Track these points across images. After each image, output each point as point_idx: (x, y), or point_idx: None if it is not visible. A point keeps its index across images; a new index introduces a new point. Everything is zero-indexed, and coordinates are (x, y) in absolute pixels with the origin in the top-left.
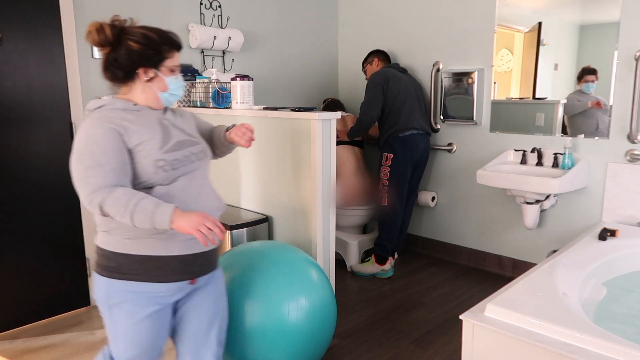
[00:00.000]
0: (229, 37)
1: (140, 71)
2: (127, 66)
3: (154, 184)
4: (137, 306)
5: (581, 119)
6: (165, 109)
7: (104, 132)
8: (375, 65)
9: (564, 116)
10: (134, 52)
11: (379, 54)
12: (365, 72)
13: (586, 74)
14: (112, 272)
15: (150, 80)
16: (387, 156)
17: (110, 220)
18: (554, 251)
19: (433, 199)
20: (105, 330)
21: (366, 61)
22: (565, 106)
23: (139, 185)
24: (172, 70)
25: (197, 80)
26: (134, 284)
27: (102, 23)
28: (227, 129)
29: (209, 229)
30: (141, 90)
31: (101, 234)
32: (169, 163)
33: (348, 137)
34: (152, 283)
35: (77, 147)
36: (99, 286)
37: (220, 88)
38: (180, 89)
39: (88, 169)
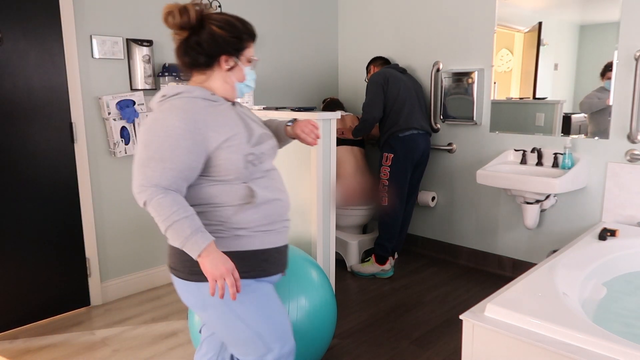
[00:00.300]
0: None
1: (222, 59)
2: (210, 52)
3: (243, 180)
4: (256, 292)
5: (602, 116)
6: (234, 101)
7: (183, 128)
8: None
9: (583, 115)
10: (218, 37)
11: (378, 60)
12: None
13: (609, 70)
14: (201, 274)
15: (230, 69)
16: (387, 156)
17: (208, 209)
18: (554, 251)
19: (433, 199)
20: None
21: (367, 71)
22: (583, 104)
23: (228, 182)
24: (249, 61)
25: None
26: (248, 281)
27: (185, 5)
28: (287, 124)
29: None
30: (221, 79)
31: None
32: (257, 157)
33: (353, 136)
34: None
35: (149, 130)
36: (193, 291)
37: None
38: (253, 81)
39: (150, 159)
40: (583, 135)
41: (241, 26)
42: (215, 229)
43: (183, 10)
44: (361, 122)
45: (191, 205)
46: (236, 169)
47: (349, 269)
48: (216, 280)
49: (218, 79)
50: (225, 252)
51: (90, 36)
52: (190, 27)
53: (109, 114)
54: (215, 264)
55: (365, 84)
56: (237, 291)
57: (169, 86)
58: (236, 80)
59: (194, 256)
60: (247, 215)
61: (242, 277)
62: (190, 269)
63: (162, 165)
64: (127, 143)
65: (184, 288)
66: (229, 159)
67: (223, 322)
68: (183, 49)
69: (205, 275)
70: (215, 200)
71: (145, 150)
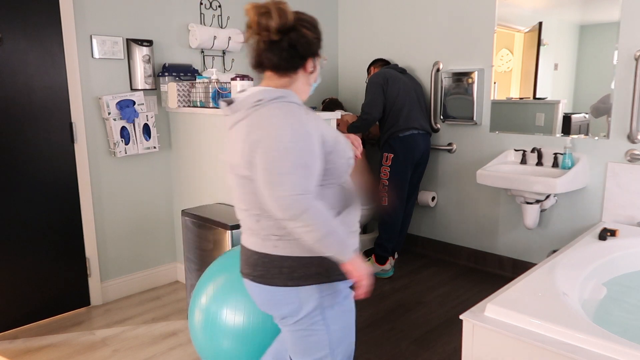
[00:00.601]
0: (229, 37)
1: (309, 61)
2: (303, 54)
3: (340, 184)
4: (346, 301)
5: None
6: None
7: (310, 133)
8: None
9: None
10: (310, 40)
11: (378, 62)
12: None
13: None
14: (311, 278)
15: (312, 71)
16: (387, 156)
17: (280, 226)
18: (554, 251)
19: (433, 199)
20: (299, 346)
21: (368, 73)
22: (596, 109)
23: (331, 186)
24: (320, 57)
25: (197, 80)
26: (339, 283)
27: (279, 5)
28: None
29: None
30: (304, 81)
31: (277, 242)
32: (351, 158)
33: (347, 132)
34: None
35: (283, 138)
36: (299, 296)
37: (220, 88)
38: (320, 78)
39: (300, 167)
40: (583, 135)
41: (319, 27)
42: None
43: (281, 11)
44: (359, 120)
45: None
46: (340, 172)
47: None
48: (359, 280)
49: (301, 82)
50: (311, 257)
51: (90, 36)
52: (285, 29)
53: (109, 114)
54: (361, 266)
55: (365, 83)
56: (367, 294)
57: (266, 89)
58: (313, 82)
59: (345, 259)
60: (350, 218)
61: (338, 279)
62: (288, 275)
63: (309, 171)
64: (127, 143)
65: (277, 295)
66: (336, 163)
67: (310, 328)
68: (273, 52)
69: (352, 276)
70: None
71: (287, 158)
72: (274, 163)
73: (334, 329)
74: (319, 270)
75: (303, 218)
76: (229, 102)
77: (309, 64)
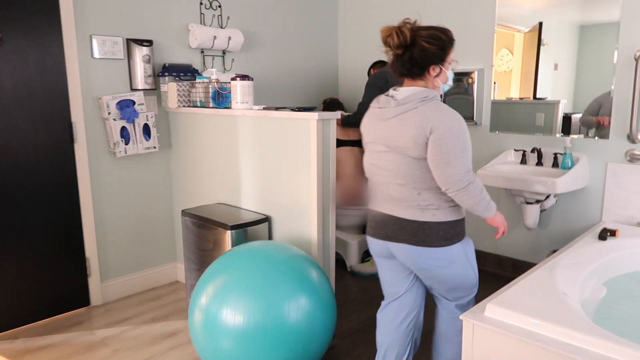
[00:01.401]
0: (229, 37)
1: (431, 68)
2: (422, 64)
3: None
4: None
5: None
6: None
7: (465, 125)
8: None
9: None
10: (428, 52)
11: (378, 64)
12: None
13: None
14: (457, 237)
15: (437, 75)
16: None
17: (437, 198)
18: (554, 251)
19: None
20: (446, 287)
21: (369, 75)
22: (584, 121)
23: None
24: (449, 63)
25: (197, 80)
26: (466, 239)
27: (399, 27)
28: None
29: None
30: (431, 84)
31: (435, 212)
32: None
33: (341, 124)
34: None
35: (453, 129)
36: (451, 252)
37: (220, 88)
38: (452, 79)
39: (465, 151)
40: (583, 135)
41: (444, 37)
42: (451, 200)
43: (399, 32)
44: (354, 116)
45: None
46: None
47: (349, 269)
48: (500, 227)
49: (431, 83)
50: (455, 221)
51: (90, 36)
52: (405, 45)
53: (109, 113)
54: (500, 218)
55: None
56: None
57: (418, 89)
58: (441, 83)
59: (490, 215)
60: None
61: (459, 240)
62: (443, 237)
63: (469, 154)
64: (127, 143)
65: (431, 254)
66: None
67: (462, 271)
68: (399, 63)
69: (496, 224)
70: None
71: (460, 145)
72: (448, 148)
73: (474, 268)
74: (459, 230)
75: (468, 189)
76: (391, 98)
77: (432, 70)
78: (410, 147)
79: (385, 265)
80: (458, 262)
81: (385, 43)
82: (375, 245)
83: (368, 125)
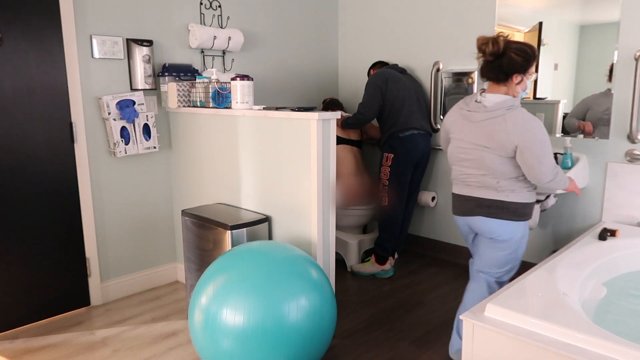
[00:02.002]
0: (229, 37)
1: (514, 76)
2: (508, 72)
3: None
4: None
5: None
6: None
7: (544, 127)
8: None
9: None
10: (515, 62)
11: (378, 64)
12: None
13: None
14: (524, 216)
15: (518, 83)
16: (387, 156)
17: (513, 184)
18: (554, 251)
19: (433, 199)
20: (488, 260)
21: (369, 75)
22: (567, 124)
23: None
24: (530, 75)
25: (197, 80)
26: (528, 221)
27: (495, 37)
28: None
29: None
30: (512, 90)
31: (509, 193)
32: None
33: (340, 126)
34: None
35: (538, 133)
36: (518, 227)
37: (220, 88)
38: (529, 88)
39: (549, 151)
40: (583, 135)
41: (530, 52)
42: (525, 186)
43: (495, 42)
44: (354, 117)
45: (518, 175)
46: None
47: (349, 269)
48: (577, 192)
49: (512, 89)
50: (525, 204)
51: (90, 36)
52: (497, 54)
53: (109, 114)
54: (574, 184)
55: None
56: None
57: (496, 98)
58: (520, 90)
59: (567, 186)
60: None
61: (528, 218)
62: (513, 214)
63: (551, 152)
64: (127, 143)
65: (507, 227)
66: None
67: (516, 247)
68: (489, 68)
69: (572, 190)
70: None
71: (546, 146)
72: (537, 153)
73: (524, 247)
74: (526, 212)
75: (555, 179)
76: (480, 104)
77: (515, 78)
78: (495, 148)
79: (469, 236)
80: (517, 238)
81: (480, 49)
82: (458, 222)
83: (455, 125)
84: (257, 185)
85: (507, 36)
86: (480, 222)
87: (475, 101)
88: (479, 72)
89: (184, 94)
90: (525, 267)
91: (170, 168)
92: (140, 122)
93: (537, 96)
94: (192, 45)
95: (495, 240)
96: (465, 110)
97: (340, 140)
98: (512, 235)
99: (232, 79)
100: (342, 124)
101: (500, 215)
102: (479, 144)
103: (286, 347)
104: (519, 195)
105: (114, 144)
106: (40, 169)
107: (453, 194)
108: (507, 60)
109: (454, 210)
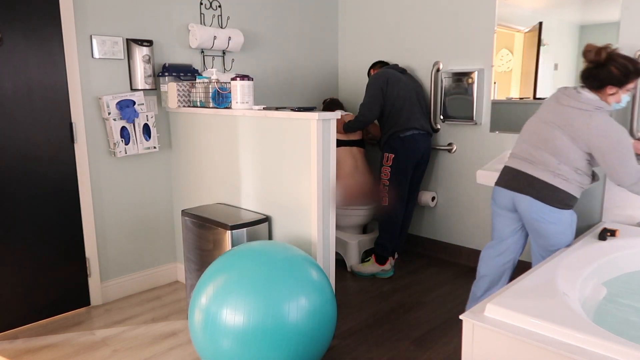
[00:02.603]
0: (229, 37)
1: (608, 87)
2: (602, 81)
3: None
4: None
5: None
6: None
7: (627, 133)
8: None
9: None
10: (613, 75)
11: (378, 64)
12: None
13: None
14: (568, 207)
15: (612, 94)
16: (387, 156)
17: (571, 173)
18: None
19: (433, 199)
20: (547, 240)
21: (369, 76)
22: None
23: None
24: (628, 90)
25: (197, 80)
26: (574, 211)
27: (601, 48)
28: None
29: None
30: (607, 99)
31: (563, 181)
32: None
33: (343, 130)
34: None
35: (616, 137)
36: (566, 214)
37: (220, 88)
38: (625, 103)
39: (631, 156)
40: None
41: (632, 68)
42: (579, 181)
43: (598, 51)
44: (355, 120)
45: (578, 168)
46: None
47: (349, 269)
48: None
49: (603, 98)
50: (571, 195)
51: (90, 36)
52: (598, 63)
53: (109, 114)
54: None
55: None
56: None
57: (591, 96)
58: (614, 102)
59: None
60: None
61: (569, 209)
62: (560, 201)
63: (633, 155)
64: (127, 143)
65: (547, 210)
66: None
67: (563, 231)
68: (587, 73)
69: None
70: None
71: (627, 151)
72: (621, 153)
73: (568, 234)
74: (572, 203)
75: (638, 184)
76: (577, 93)
77: (609, 89)
78: (570, 132)
79: (501, 215)
80: (563, 224)
81: (583, 54)
82: (501, 194)
83: (545, 105)
84: (257, 185)
85: (614, 49)
86: (526, 203)
87: (574, 88)
88: (578, 75)
89: (184, 94)
90: (525, 267)
91: (170, 168)
92: (140, 122)
93: (537, 96)
94: (192, 45)
95: (538, 223)
96: (560, 93)
97: (339, 143)
98: (556, 221)
99: (232, 79)
100: (345, 127)
101: (549, 200)
102: (557, 123)
103: (286, 347)
104: (571, 186)
105: (114, 144)
106: (40, 169)
107: (506, 166)
108: (605, 71)
109: (501, 182)
